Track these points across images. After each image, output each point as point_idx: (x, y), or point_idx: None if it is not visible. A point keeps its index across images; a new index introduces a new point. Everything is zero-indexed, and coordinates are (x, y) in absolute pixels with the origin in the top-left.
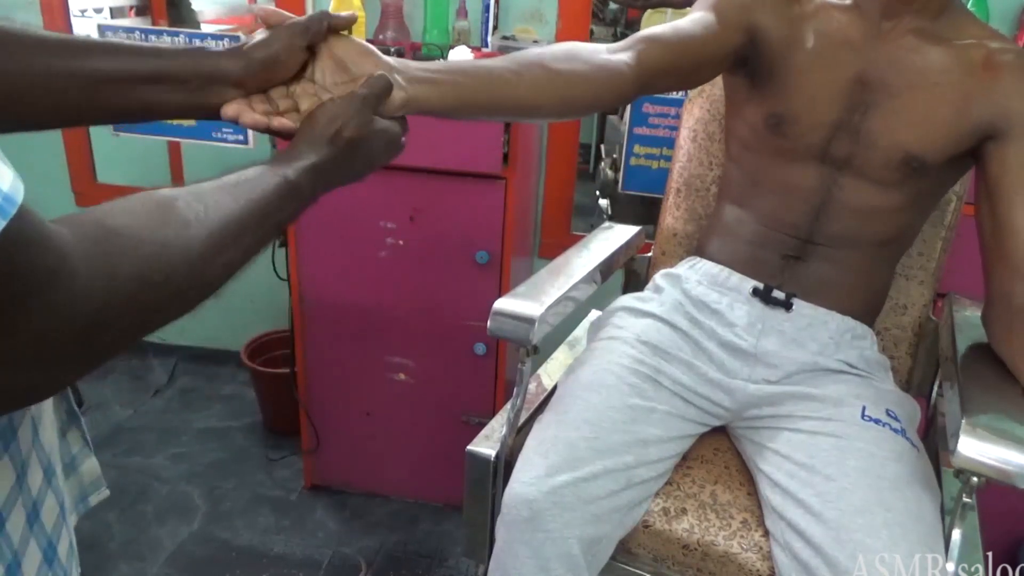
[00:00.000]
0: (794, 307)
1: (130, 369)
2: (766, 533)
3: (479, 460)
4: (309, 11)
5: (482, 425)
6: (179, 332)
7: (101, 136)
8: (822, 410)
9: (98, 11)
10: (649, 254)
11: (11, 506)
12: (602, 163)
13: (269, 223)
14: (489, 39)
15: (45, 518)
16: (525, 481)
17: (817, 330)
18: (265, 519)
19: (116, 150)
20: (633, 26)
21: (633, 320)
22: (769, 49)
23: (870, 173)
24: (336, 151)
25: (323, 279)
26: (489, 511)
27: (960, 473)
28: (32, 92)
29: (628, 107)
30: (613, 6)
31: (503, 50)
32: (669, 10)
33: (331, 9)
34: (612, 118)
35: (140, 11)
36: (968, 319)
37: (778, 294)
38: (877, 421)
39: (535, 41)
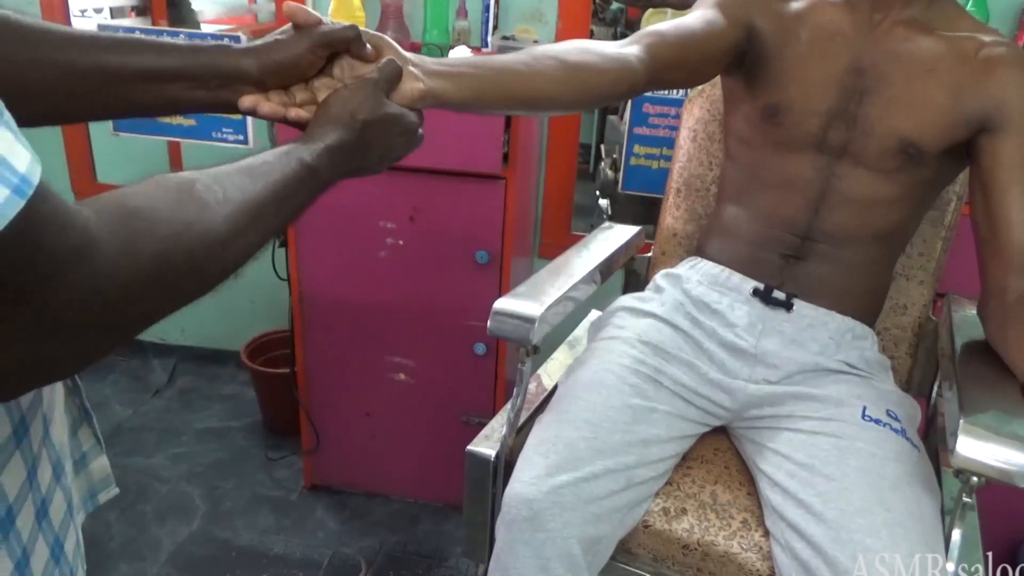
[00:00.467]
0: (794, 307)
1: (130, 369)
2: (766, 533)
3: (479, 460)
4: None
5: (482, 425)
6: (179, 332)
7: (101, 136)
8: (822, 410)
9: (98, 11)
10: (649, 254)
11: (22, 502)
12: (602, 163)
13: (287, 206)
14: (489, 39)
15: (53, 515)
16: (525, 481)
17: (817, 330)
18: (265, 519)
19: (116, 150)
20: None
21: (634, 320)
22: (764, 45)
23: (867, 161)
24: (351, 134)
25: (323, 279)
26: (489, 511)
27: (960, 473)
28: (60, 86)
29: (628, 107)
30: (614, 6)
31: (503, 50)
32: (669, 10)
33: (331, 9)
34: (612, 118)
35: (140, 11)
36: (967, 319)
37: (778, 294)
38: (877, 421)
39: (535, 41)
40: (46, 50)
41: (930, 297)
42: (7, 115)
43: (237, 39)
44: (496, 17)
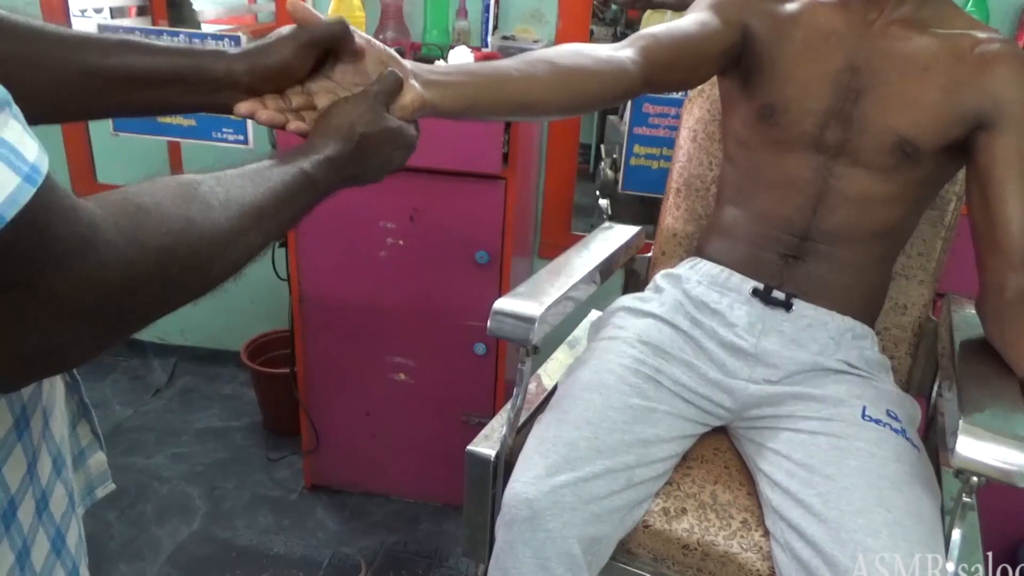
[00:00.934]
0: (794, 307)
1: (130, 369)
2: (766, 533)
3: (479, 460)
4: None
5: (482, 425)
6: (179, 332)
7: (101, 136)
8: (822, 410)
9: (98, 11)
10: (649, 254)
11: (23, 494)
12: (602, 163)
13: (287, 212)
14: (489, 39)
15: (54, 508)
16: (525, 481)
17: (817, 330)
18: (265, 519)
19: (116, 150)
20: (633, 26)
21: (634, 320)
22: (759, 46)
23: (864, 159)
24: (350, 146)
25: (323, 279)
26: (489, 511)
27: (960, 473)
28: (54, 86)
29: (628, 107)
30: (614, 6)
31: (503, 50)
32: (668, 11)
33: (331, 9)
34: (612, 118)
35: (140, 11)
36: (967, 318)
37: (778, 294)
38: (877, 421)
39: (535, 41)
40: (40, 49)
41: (930, 297)
42: (15, 107)
43: (237, 39)
44: (496, 17)
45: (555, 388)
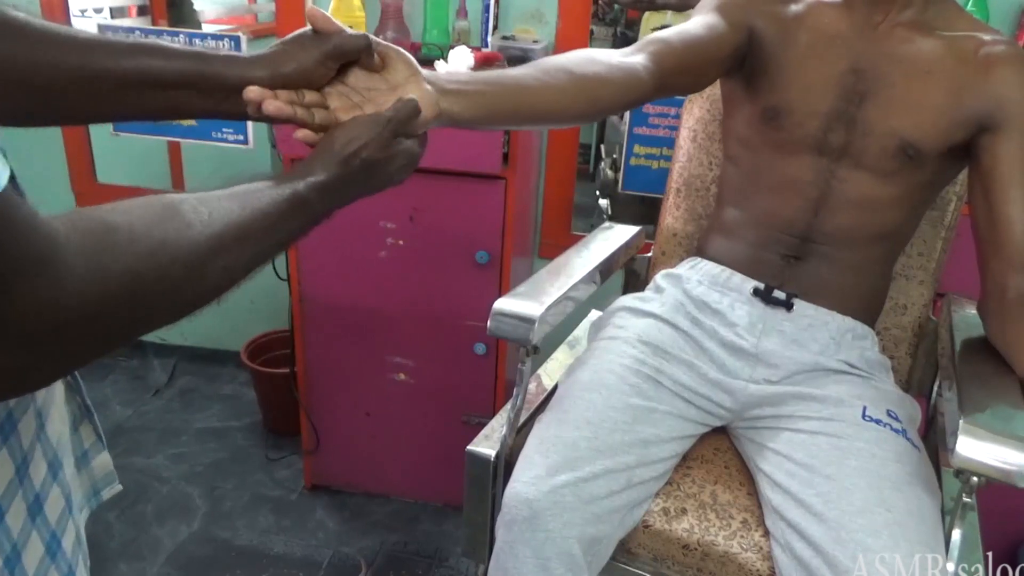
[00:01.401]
0: (795, 307)
1: (130, 369)
2: (766, 533)
3: (479, 460)
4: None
5: (482, 425)
6: (179, 332)
7: (101, 136)
8: (823, 410)
9: (98, 11)
10: (649, 254)
11: (10, 498)
12: (602, 163)
13: (275, 234)
14: (489, 39)
15: (49, 511)
16: (525, 481)
17: (818, 330)
18: (265, 519)
19: (116, 150)
20: (633, 26)
21: (634, 320)
22: (764, 47)
23: (867, 162)
24: (350, 171)
25: (323, 279)
26: (489, 511)
27: (960, 473)
28: (69, 88)
29: None
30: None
31: (503, 50)
32: (669, 12)
33: (331, 9)
34: (612, 118)
35: (141, 11)
36: (967, 318)
37: (779, 294)
38: (878, 421)
39: (535, 41)
40: (56, 52)
41: (930, 297)
42: None
43: (237, 39)
44: (496, 17)
45: (555, 388)
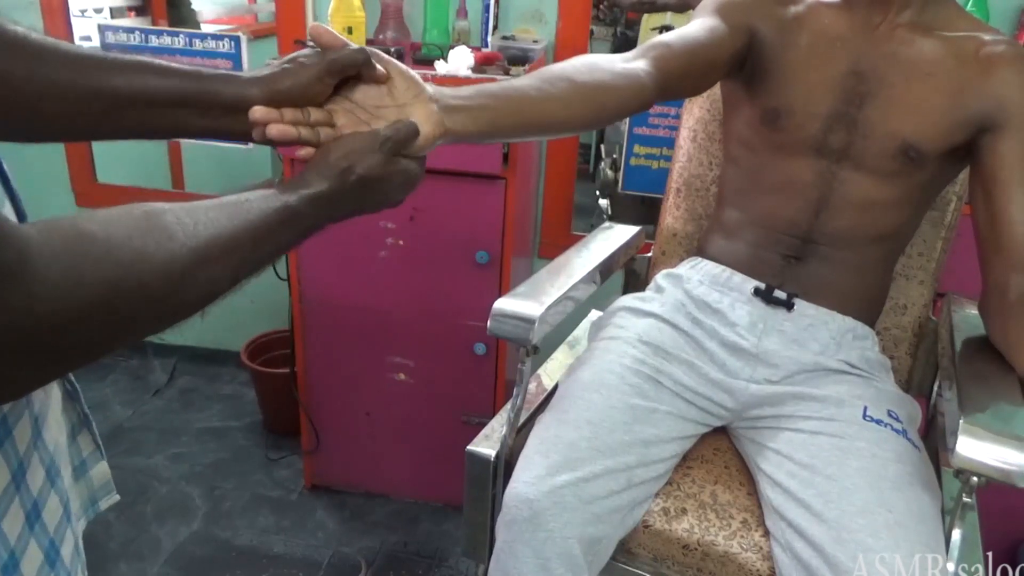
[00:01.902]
0: (795, 307)
1: (130, 369)
2: (766, 533)
3: (479, 460)
4: (309, 11)
5: (482, 425)
6: (179, 332)
7: None
8: (823, 410)
9: (98, 11)
10: (649, 254)
11: (6, 505)
12: (602, 163)
13: (264, 246)
14: (489, 39)
15: (47, 518)
16: (525, 481)
17: (818, 330)
18: (265, 519)
19: (116, 150)
20: (633, 26)
21: (634, 320)
22: (764, 49)
23: (868, 164)
24: (343, 186)
25: (323, 279)
26: (489, 511)
27: (960, 473)
28: (66, 106)
29: None
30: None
31: (503, 50)
32: (669, 12)
33: (331, 9)
34: None
35: (140, 11)
36: (967, 318)
37: (779, 294)
38: (878, 421)
39: (535, 41)
40: (54, 69)
41: (930, 297)
42: None
43: (237, 39)
44: (496, 17)
45: (555, 388)
